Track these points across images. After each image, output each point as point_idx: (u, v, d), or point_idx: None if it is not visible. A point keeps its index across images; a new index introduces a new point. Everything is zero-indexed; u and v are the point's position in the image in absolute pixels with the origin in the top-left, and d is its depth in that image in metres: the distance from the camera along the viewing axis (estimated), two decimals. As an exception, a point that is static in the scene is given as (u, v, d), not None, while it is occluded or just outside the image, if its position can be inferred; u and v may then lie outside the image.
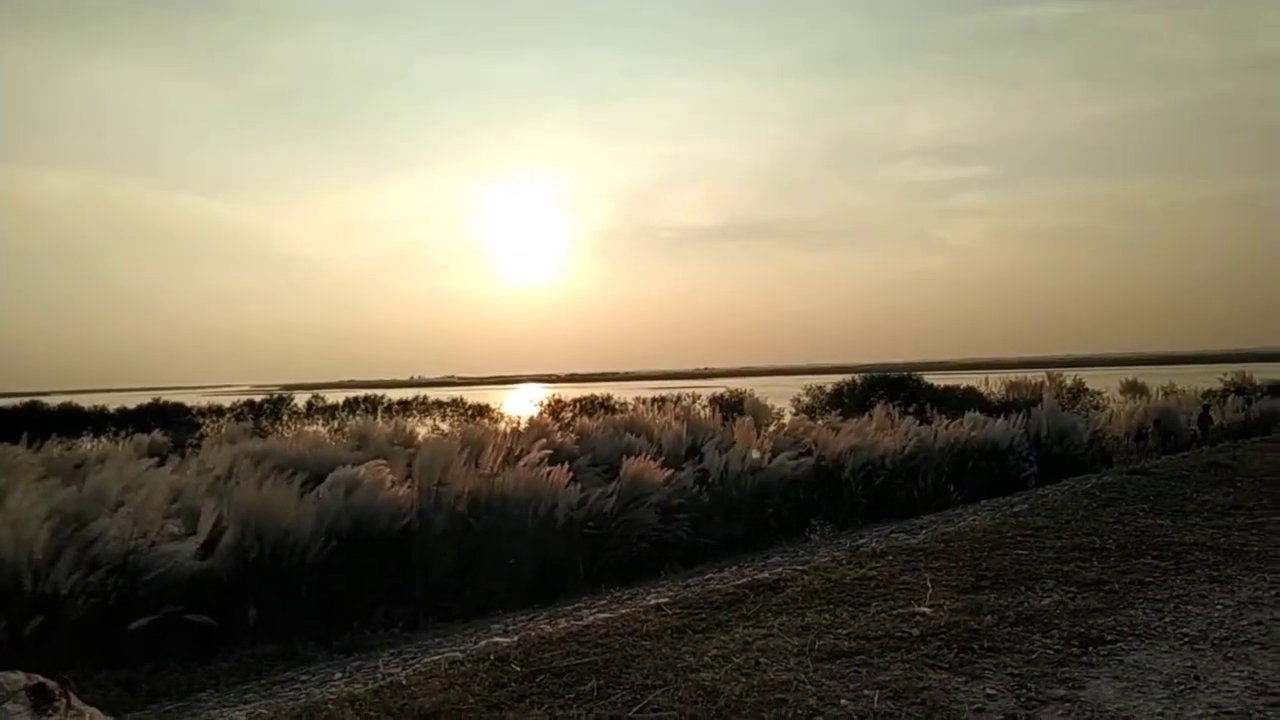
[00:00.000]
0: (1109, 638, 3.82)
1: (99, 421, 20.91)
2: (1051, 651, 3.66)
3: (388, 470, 7.79)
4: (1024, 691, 3.24)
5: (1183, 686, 3.28)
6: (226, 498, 6.85)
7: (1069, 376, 24.28)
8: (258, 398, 28.60)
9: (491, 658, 3.54)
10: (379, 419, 17.94)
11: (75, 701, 1.84)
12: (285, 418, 24.55)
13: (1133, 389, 24.35)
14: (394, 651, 5.47)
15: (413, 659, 4.77)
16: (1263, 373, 30.02)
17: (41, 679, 1.78)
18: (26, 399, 27.32)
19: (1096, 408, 19.60)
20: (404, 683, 3.31)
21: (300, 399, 28.24)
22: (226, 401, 26.98)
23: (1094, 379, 25.49)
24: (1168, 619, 4.11)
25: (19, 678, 1.73)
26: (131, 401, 25.77)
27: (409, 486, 7.58)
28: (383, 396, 27.95)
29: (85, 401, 26.03)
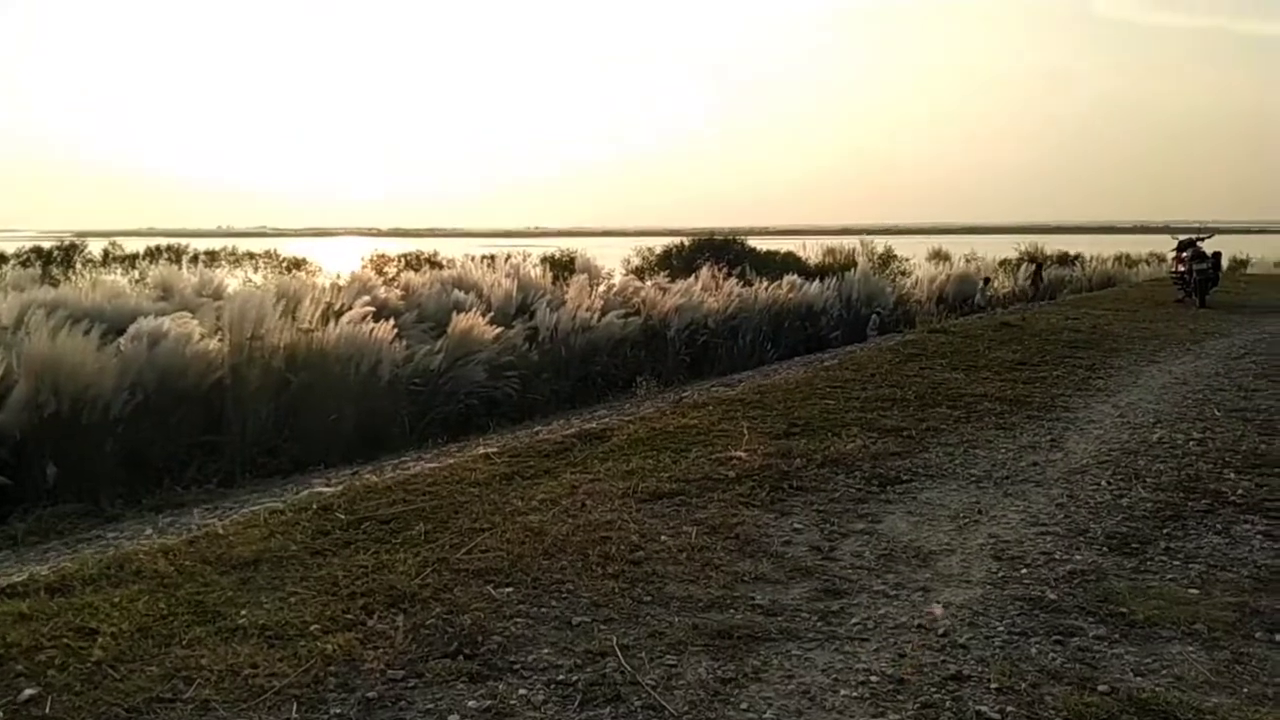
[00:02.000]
0: (905, 478, 4.19)
1: None
2: (853, 490, 3.98)
3: (196, 323, 7.38)
4: (828, 526, 3.53)
5: (967, 520, 3.66)
6: (16, 349, 6.32)
7: (881, 244, 25.56)
8: (46, 244, 26.14)
9: (315, 506, 3.51)
10: (184, 269, 16.79)
11: None
12: (79, 266, 22.60)
13: (937, 256, 26.00)
14: (209, 507, 5.31)
15: (230, 512, 4.65)
16: (1053, 244, 32.67)
17: None
18: None
19: (904, 273, 20.80)
20: (221, 532, 3.23)
21: (96, 247, 26.02)
22: (10, 248, 24.51)
23: (904, 247, 27.00)
24: (957, 461, 4.54)
25: None
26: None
27: (220, 341, 7.22)
28: (188, 246, 26.15)
29: None
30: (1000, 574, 3.08)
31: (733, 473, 4.11)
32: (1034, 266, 20.32)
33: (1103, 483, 4.19)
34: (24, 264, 20.14)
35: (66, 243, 26.42)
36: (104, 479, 6.02)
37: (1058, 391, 6.46)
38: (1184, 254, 14.58)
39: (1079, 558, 3.23)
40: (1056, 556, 3.24)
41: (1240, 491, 4.02)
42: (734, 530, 3.39)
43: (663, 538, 3.27)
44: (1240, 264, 28.05)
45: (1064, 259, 27.30)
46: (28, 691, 2.11)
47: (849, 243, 24.41)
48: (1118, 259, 28.09)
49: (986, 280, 17.27)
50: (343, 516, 3.41)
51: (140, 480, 6.12)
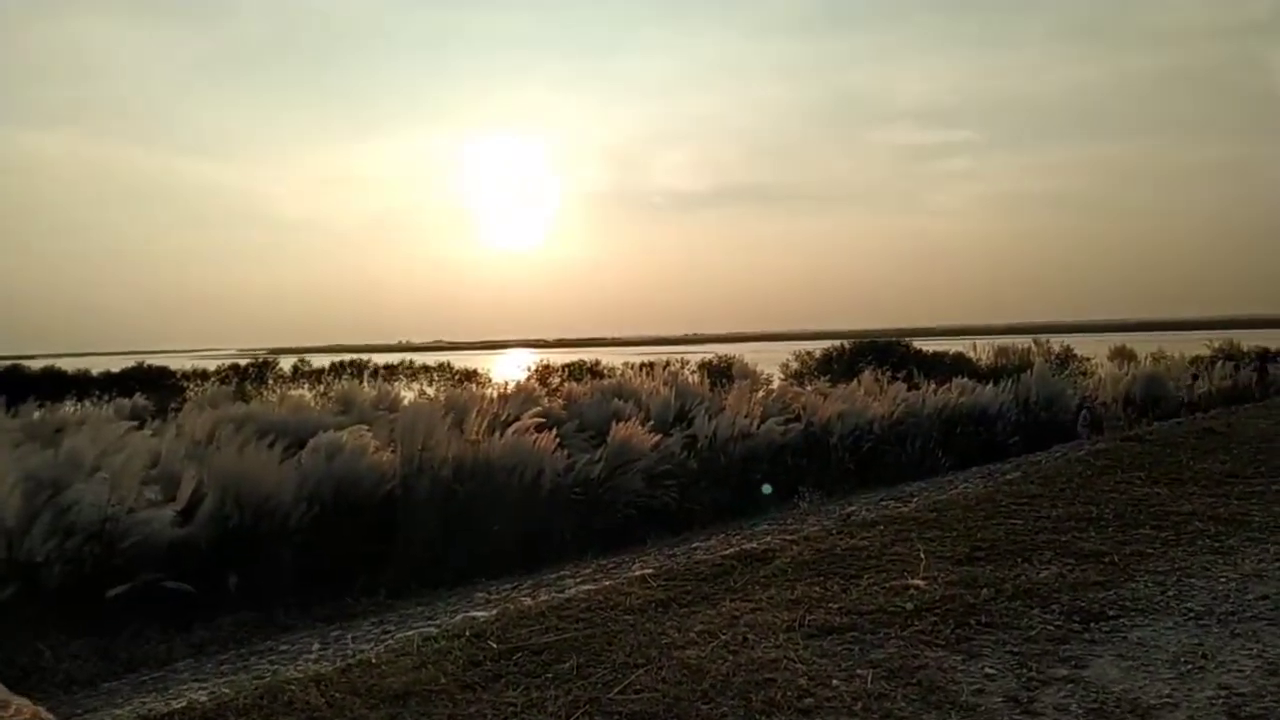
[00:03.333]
0: (1111, 613, 3.70)
1: (82, 385, 20.64)
2: (1052, 628, 3.53)
3: (371, 436, 7.66)
4: (1024, 671, 3.11)
5: (1190, 665, 3.16)
6: (206, 463, 6.70)
7: (1057, 343, 24.21)
8: (243, 361, 28.35)
9: (467, 634, 3.40)
10: (364, 383, 17.75)
11: (1, 692, 1.68)
12: (270, 382, 24.29)
13: (1121, 355, 24.31)
14: (375, 620, 5.36)
15: (392, 629, 4.65)
16: (1250, 339, 30.07)
17: (-39, 671, 1.62)
18: (8, 362, 27.01)
19: (1084, 374, 19.54)
20: (374, 661, 3.16)
21: (286, 363, 27.97)
22: (211, 365, 26.71)
23: (1082, 345, 25.45)
24: (1170, 593, 4.00)
25: (-67, 671, 1.57)
26: (116, 365, 25.50)
27: (393, 452, 7.44)
28: (369, 361, 27.70)
29: (69, 365, 25.74)
30: (1240, 738, 2.61)
31: (910, 605, 3.74)
32: (1258, 362, 18.39)
33: (1354, 621, 3.58)
34: (222, 381, 21.85)
35: (260, 359, 28.57)
36: (280, 589, 6.21)
37: (1281, 509, 5.71)
38: None
39: (1340, 720, 2.71)
40: (1310, 717, 2.73)
41: None
42: (915, 675, 3.04)
43: (834, 681, 2.97)
44: None
45: (1265, 355, 24.97)
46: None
47: (1021, 342, 23.27)
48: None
49: (1194, 377, 15.89)
50: (495, 645, 3.28)
51: (314, 589, 6.28)
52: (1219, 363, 20.10)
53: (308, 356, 31.02)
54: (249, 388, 21.00)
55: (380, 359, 29.02)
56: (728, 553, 4.83)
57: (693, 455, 8.85)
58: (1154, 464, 7.38)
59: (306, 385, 23.05)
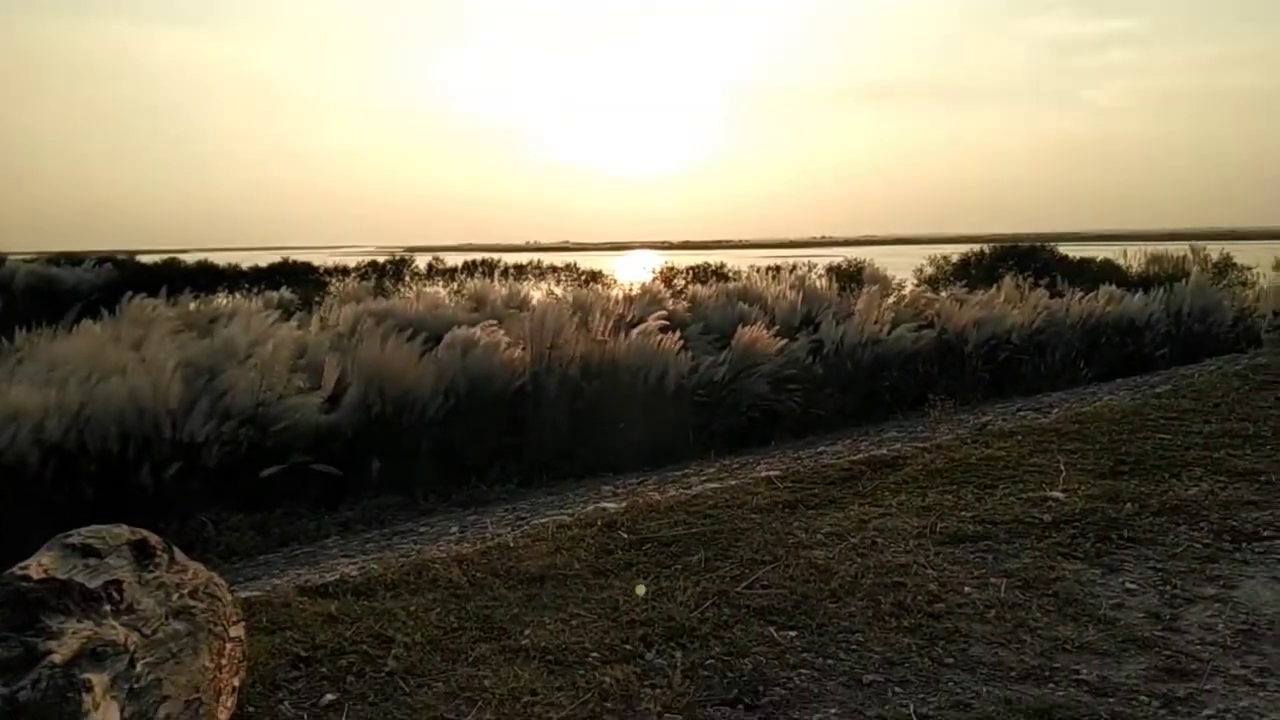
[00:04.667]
0: (1265, 533, 3.50)
1: (233, 279, 21.80)
2: (1199, 545, 3.37)
3: (503, 333, 7.86)
4: (1168, 588, 2.99)
5: (1353, 591, 2.98)
6: (350, 354, 7.04)
7: (1215, 250, 22.58)
8: (381, 258, 29.35)
9: (599, 523, 3.50)
10: (495, 282, 18.14)
11: (179, 556, 1.82)
12: (407, 278, 25.13)
13: (1287, 263, 22.49)
14: (508, 507, 5.58)
15: (525, 516, 4.83)
16: None
17: (145, 533, 1.76)
18: (165, 256, 28.73)
19: (1244, 284, 18.20)
20: (511, 545, 3.30)
21: (421, 261, 28.83)
22: (352, 262, 27.74)
23: (1244, 253, 23.65)
24: (1334, 515, 3.76)
25: (122, 531, 1.71)
26: (263, 260, 26.78)
27: (523, 350, 7.63)
28: (500, 260, 28.25)
29: (220, 259, 27.18)
30: (1405, 668, 2.46)
31: (1048, 516, 3.63)
32: None
33: None
34: (362, 277, 22.68)
35: (398, 257, 29.49)
36: (419, 475, 6.54)
37: None
38: None
39: None
40: None
41: None
42: (1051, 586, 2.96)
43: (966, 589, 2.93)
44: None
45: None
46: (329, 696, 2.22)
47: (1177, 249, 21.80)
48: None
49: None
50: (625, 535, 3.37)
51: (450, 477, 6.59)
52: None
53: (441, 255, 31.86)
54: (387, 284, 21.80)
55: (510, 258, 29.56)
56: (856, 458, 4.78)
57: (818, 361, 8.75)
58: (1321, 380, 6.87)
59: (441, 283, 23.73)
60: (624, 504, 3.90)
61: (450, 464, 6.74)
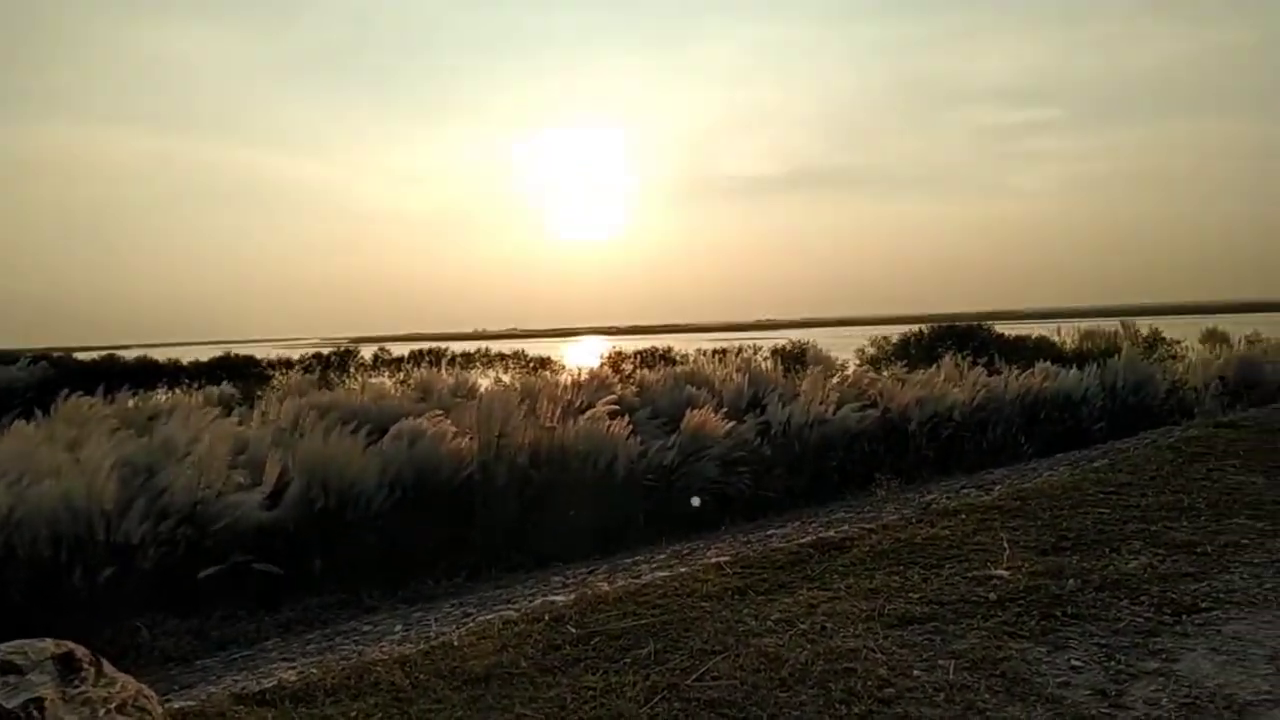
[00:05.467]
0: (1204, 605, 3.57)
1: (173, 374, 21.37)
2: (1141, 620, 3.42)
3: (450, 422, 7.80)
4: (1112, 664, 3.03)
5: (1290, 662, 3.03)
6: (292, 449, 6.92)
7: (1145, 325, 23.35)
8: (326, 350, 29.07)
9: (546, 618, 3.45)
10: (443, 371, 18.05)
11: (107, 668, 1.76)
12: (352, 370, 24.88)
13: (1213, 338, 23.32)
14: (455, 602, 5.46)
15: (472, 611, 4.73)
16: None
17: (71, 646, 1.70)
18: (104, 352, 28.15)
19: (1174, 357, 18.82)
20: (456, 644, 3.23)
21: (367, 351, 28.63)
22: (296, 354, 27.44)
23: (1171, 328, 24.50)
24: (1268, 585, 3.83)
25: (46, 645, 1.65)
26: (205, 355, 26.38)
27: (470, 439, 7.57)
28: (447, 349, 28.17)
29: (160, 355, 26.69)
30: (1346, 738, 2.50)
31: (994, 595, 3.67)
32: None
33: None
34: (306, 370, 22.43)
35: (343, 349, 29.25)
36: (364, 571, 6.38)
37: (1388, 498, 5.43)
38: None
39: None
40: None
41: None
42: (999, 666, 2.97)
43: (915, 672, 2.92)
44: None
45: None
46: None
47: (1108, 325, 22.51)
48: None
49: None
50: (573, 630, 3.32)
51: (396, 572, 6.45)
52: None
53: (387, 345, 31.69)
54: (332, 376, 21.55)
55: (457, 347, 29.49)
56: (804, 540, 4.79)
57: (766, 442, 8.81)
58: (1249, 451, 7.08)
59: (386, 373, 23.52)
60: (572, 596, 3.85)
61: (396, 558, 6.60)
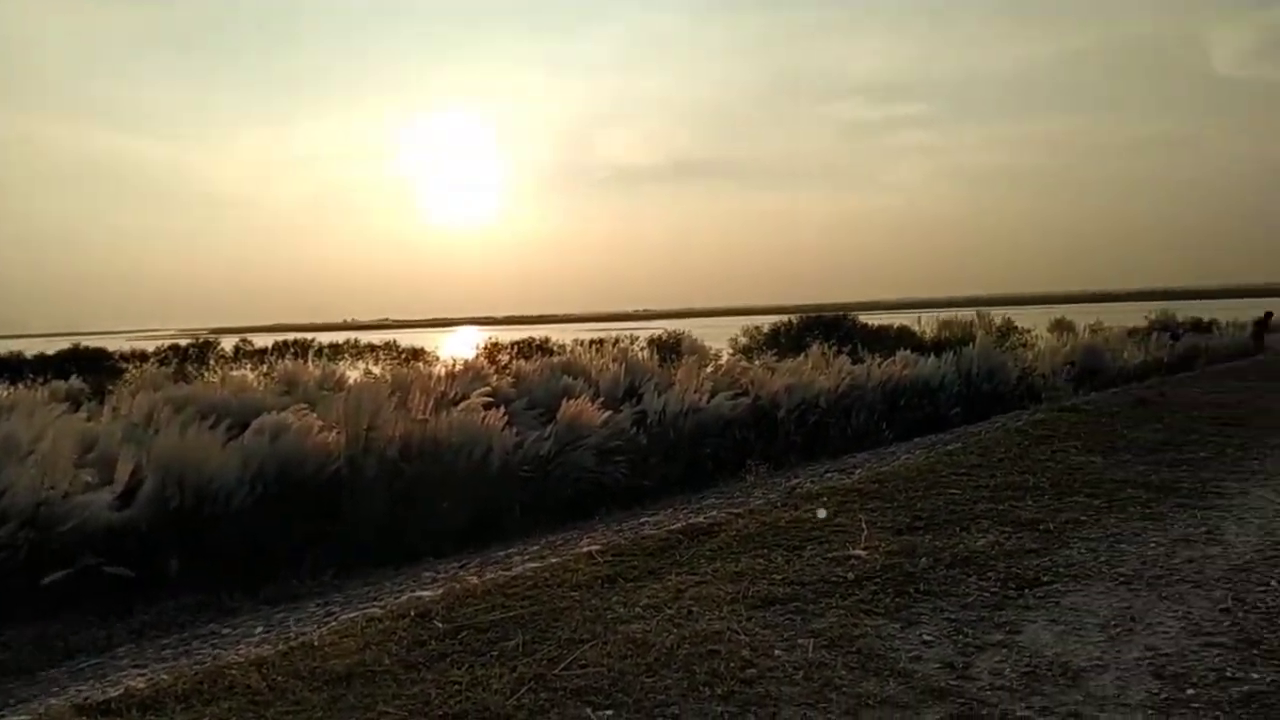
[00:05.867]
0: (1045, 579, 3.81)
1: (15, 368, 20.02)
2: (988, 594, 3.63)
3: (316, 416, 7.56)
4: (961, 637, 3.20)
5: (1119, 628, 3.27)
6: (146, 445, 6.57)
7: (999, 315, 24.68)
8: (183, 342, 27.76)
9: (412, 614, 3.39)
10: (309, 363, 17.48)
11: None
12: (212, 362, 23.83)
13: (1060, 327, 24.86)
14: (320, 601, 5.31)
15: (338, 610, 4.61)
16: (1185, 310, 30.94)
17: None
18: (-65, 346, 26.13)
19: (1025, 345, 19.96)
20: (316, 643, 3.14)
21: (228, 343, 27.47)
22: (151, 346, 26.11)
23: (1023, 318, 25.98)
24: (1102, 558, 4.12)
25: None
26: (51, 347, 24.80)
27: (338, 432, 7.35)
28: (313, 340, 27.28)
29: (0, 348, 24.98)
30: (1163, 696, 2.71)
31: (852, 574, 3.81)
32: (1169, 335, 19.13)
33: (1273, 582, 3.72)
34: (162, 362, 21.34)
35: (202, 340, 27.99)
36: (225, 571, 6.12)
37: (1208, 475, 5.91)
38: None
39: (1255, 675, 2.82)
40: (1228, 674, 2.84)
41: None
42: (855, 643, 3.10)
43: (776, 652, 3.01)
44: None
45: (1198, 325, 25.66)
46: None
47: (965, 315, 23.67)
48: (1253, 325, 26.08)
49: (1268, 315, 15.63)
50: (440, 625, 3.28)
51: (259, 572, 6.20)
52: (1154, 334, 20.68)
53: (250, 336, 30.47)
54: (190, 369, 20.57)
55: (325, 338, 28.62)
56: (675, 527, 4.86)
57: (642, 431, 8.88)
58: (1089, 433, 7.58)
59: (249, 365, 22.63)
60: (440, 591, 3.80)
61: (259, 557, 6.35)
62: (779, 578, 3.78)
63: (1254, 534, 4.48)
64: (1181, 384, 12.15)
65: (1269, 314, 22.26)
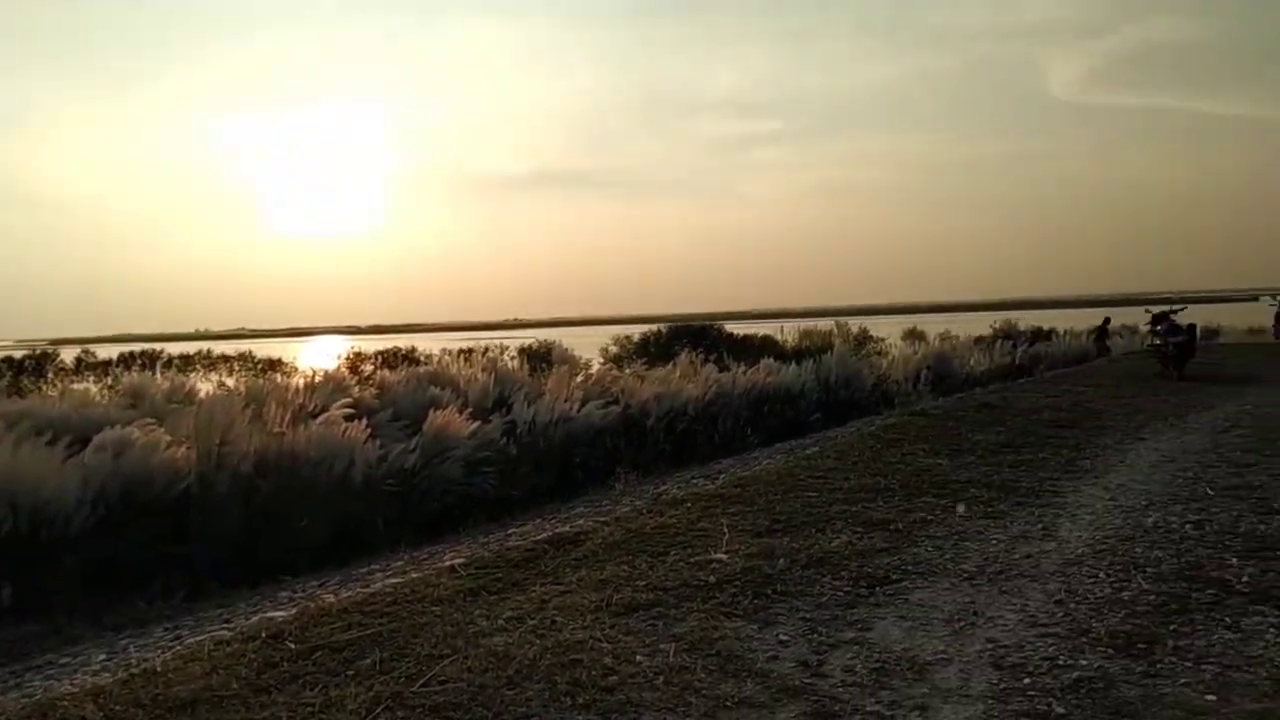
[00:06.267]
0: (894, 577, 3.99)
1: None
2: (841, 593, 3.77)
3: (164, 431, 7.19)
4: (815, 636, 3.31)
5: (963, 623, 3.45)
6: (-27, 464, 6.10)
7: (856, 325, 25.70)
8: (19, 354, 25.87)
9: (264, 635, 3.26)
10: (157, 375, 16.58)
11: None
12: (50, 375, 22.30)
13: (913, 336, 26.13)
14: (169, 626, 5.04)
15: (186, 633, 4.40)
16: (1027, 320, 32.95)
17: None
18: None
19: (880, 353, 20.84)
20: (159, 670, 2.98)
21: (68, 354, 25.76)
22: (-21, 358, 24.21)
23: (879, 327, 27.14)
24: (948, 556, 4.34)
25: None
26: None
27: (188, 448, 7.01)
28: (163, 351, 25.92)
29: None
30: (1002, 685, 2.87)
31: (713, 578, 3.90)
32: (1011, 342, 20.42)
33: (1101, 574, 4.00)
34: (-8, 375, 19.87)
35: (39, 351, 26.17)
36: (64, 598, 5.75)
37: (1045, 475, 6.31)
38: (1159, 326, 14.67)
39: (1084, 662, 3.03)
40: (1060, 662, 3.04)
41: (1245, 579, 3.85)
42: (715, 646, 3.17)
43: (638, 658, 3.05)
44: (1213, 334, 28.22)
45: (1039, 334, 27.38)
46: None
47: (825, 325, 24.53)
48: (1091, 332, 28.02)
49: (1106, 321, 16.51)
50: (293, 645, 3.17)
51: (103, 597, 5.86)
52: (999, 341, 21.95)
53: (93, 347, 28.68)
54: (25, 381, 19.19)
55: (175, 349, 27.24)
56: (541, 537, 4.85)
57: (512, 441, 8.82)
58: (937, 436, 7.97)
59: (92, 378, 21.28)
60: (294, 610, 3.68)
61: (103, 582, 6.00)
62: (642, 584, 3.83)
63: (1085, 530, 4.81)
64: (1022, 389, 12.90)
65: (1108, 319, 23.98)
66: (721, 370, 12.31)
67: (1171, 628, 3.31)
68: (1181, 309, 15.24)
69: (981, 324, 27.55)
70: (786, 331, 22.85)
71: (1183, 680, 2.86)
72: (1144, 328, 16.82)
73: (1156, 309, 15.56)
